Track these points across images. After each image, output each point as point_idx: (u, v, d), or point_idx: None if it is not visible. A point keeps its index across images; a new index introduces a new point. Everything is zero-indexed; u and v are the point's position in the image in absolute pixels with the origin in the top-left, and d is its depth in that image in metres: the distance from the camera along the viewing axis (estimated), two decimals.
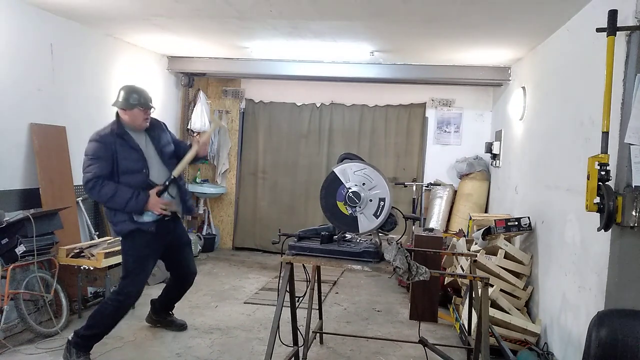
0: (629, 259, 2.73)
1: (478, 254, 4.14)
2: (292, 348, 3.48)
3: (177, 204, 3.75)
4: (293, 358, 3.39)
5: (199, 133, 3.71)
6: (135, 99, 3.54)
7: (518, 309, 4.16)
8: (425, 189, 6.83)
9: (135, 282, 3.61)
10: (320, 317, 4.15)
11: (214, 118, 3.68)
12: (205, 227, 7.33)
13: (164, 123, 3.91)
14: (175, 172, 3.60)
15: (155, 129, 3.75)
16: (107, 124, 3.64)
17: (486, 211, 6.50)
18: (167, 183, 3.55)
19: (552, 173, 4.07)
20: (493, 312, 3.80)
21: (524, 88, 5.21)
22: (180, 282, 4.12)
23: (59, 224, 4.17)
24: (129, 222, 3.52)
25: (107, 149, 3.46)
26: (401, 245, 2.97)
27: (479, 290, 3.22)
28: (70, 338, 3.52)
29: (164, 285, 5.39)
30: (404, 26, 4.50)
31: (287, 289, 3.15)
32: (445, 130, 7.04)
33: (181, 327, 4.25)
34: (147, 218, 3.55)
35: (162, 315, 4.27)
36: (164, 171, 3.64)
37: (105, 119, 5.32)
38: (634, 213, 2.63)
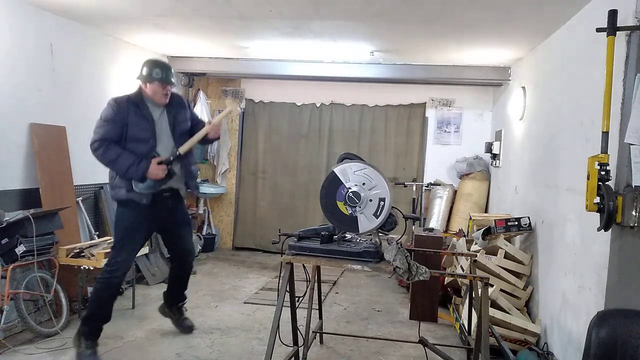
0: (629, 258, 2.73)
1: (478, 254, 4.14)
2: (292, 348, 3.48)
3: (179, 181, 3.72)
4: (293, 358, 3.39)
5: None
6: (157, 74, 3.57)
7: (518, 309, 4.16)
8: (425, 189, 6.83)
9: (122, 252, 3.59)
10: (320, 317, 4.15)
11: (225, 106, 3.74)
12: (205, 227, 7.33)
13: (187, 100, 3.86)
14: (182, 149, 3.58)
15: (175, 104, 3.73)
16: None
17: (486, 211, 6.50)
18: (171, 158, 3.54)
19: (552, 173, 4.07)
20: (493, 312, 3.80)
21: (524, 88, 5.21)
22: (178, 262, 4.07)
23: (59, 224, 4.17)
24: (125, 190, 3.52)
25: (119, 113, 3.48)
26: (401, 245, 2.97)
27: (479, 290, 3.22)
28: (78, 327, 3.59)
29: (164, 284, 5.42)
30: (404, 26, 4.50)
31: (287, 289, 3.14)
32: (445, 130, 7.04)
33: (187, 329, 4.16)
34: (144, 188, 3.50)
35: (173, 310, 4.18)
36: (172, 146, 3.62)
37: None
38: (634, 213, 2.63)
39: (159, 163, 3.48)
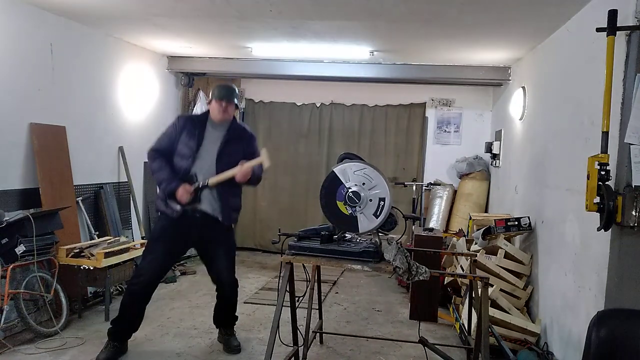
0: (629, 258, 2.73)
1: (478, 254, 4.14)
2: (292, 348, 3.48)
3: (211, 207, 3.68)
4: (293, 358, 3.39)
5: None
6: (215, 93, 3.72)
7: (518, 309, 4.16)
8: (425, 189, 6.83)
9: (144, 260, 3.71)
10: (320, 317, 4.15)
11: (264, 152, 3.72)
12: None
13: (254, 137, 3.94)
14: (210, 181, 3.60)
15: (235, 133, 3.77)
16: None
17: (486, 211, 6.50)
18: (199, 185, 3.59)
19: (552, 173, 4.07)
20: (493, 311, 3.80)
21: (524, 88, 5.21)
22: (217, 287, 4.01)
23: (59, 224, 4.17)
24: (161, 202, 3.66)
25: (175, 128, 3.69)
26: (401, 245, 2.97)
27: (479, 290, 3.22)
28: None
29: (164, 284, 5.43)
30: (404, 26, 4.50)
31: (287, 289, 3.15)
32: (445, 130, 7.05)
33: (231, 349, 3.90)
34: (172, 205, 3.59)
35: (222, 332, 4.03)
36: (208, 170, 3.63)
37: (105, 119, 5.38)
38: (633, 213, 2.63)
39: (190, 189, 3.54)
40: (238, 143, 3.76)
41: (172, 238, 3.68)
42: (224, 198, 3.69)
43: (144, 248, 3.85)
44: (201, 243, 3.83)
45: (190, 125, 3.67)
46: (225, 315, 4.02)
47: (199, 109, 6.84)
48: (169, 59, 6.57)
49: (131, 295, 3.67)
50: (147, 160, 3.75)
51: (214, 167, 3.62)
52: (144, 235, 5.83)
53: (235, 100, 3.74)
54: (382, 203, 3.00)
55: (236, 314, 4.10)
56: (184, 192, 3.52)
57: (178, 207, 3.57)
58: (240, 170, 3.58)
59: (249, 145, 3.84)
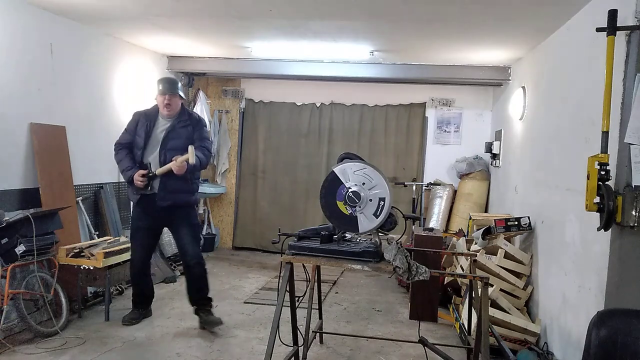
0: (629, 258, 2.73)
1: (478, 254, 4.13)
2: (292, 348, 3.48)
3: (157, 191, 4.11)
4: (293, 358, 3.39)
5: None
6: (159, 86, 4.14)
7: (518, 309, 4.16)
8: (425, 189, 6.84)
9: (132, 245, 4.36)
10: (320, 317, 4.15)
11: (190, 150, 3.97)
12: (205, 226, 7.32)
13: (204, 122, 4.36)
14: (157, 171, 4.07)
15: (183, 122, 4.19)
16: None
17: (486, 211, 6.50)
18: (149, 173, 4.06)
19: (552, 173, 4.07)
20: (493, 311, 3.80)
21: (524, 88, 5.21)
22: (183, 263, 4.47)
23: (59, 224, 4.17)
24: (131, 192, 4.22)
25: (132, 122, 4.23)
26: (401, 244, 2.97)
27: (479, 290, 3.22)
28: None
29: (164, 284, 5.43)
30: (404, 26, 4.50)
31: (287, 289, 3.14)
32: (445, 130, 7.05)
33: (214, 323, 4.22)
34: (134, 192, 4.17)
35: (199, 314, 4.29)
36: (155, 157, 4.11)
37: (105, 119, 5.38)
38: (633, 213, 2.63)
39: (142, 175, 4.03)
40: (184, 129, 4.17)
41: (146, 222, 4.25)
42: (161, 182, 4.11)
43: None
44: (169, 224, 4.36)
45: (144, 119, 4.16)
46: (197, 292, 4.32)
47: (198, 108, 6.84)
48: (169, 59, 6.56)
49: (133, 275, 4.38)
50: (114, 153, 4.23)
51: (158, 153, 4.10)
52: None
53: (179, 92, 4.17)
54: (382, 203, 3.00)
55: (209, 295, 4.40)
56: (137, 177, 4.02)
57: (137, 191, 4.10)
58: (174, 164, 3.98)
59: (196, 130, 4.22)
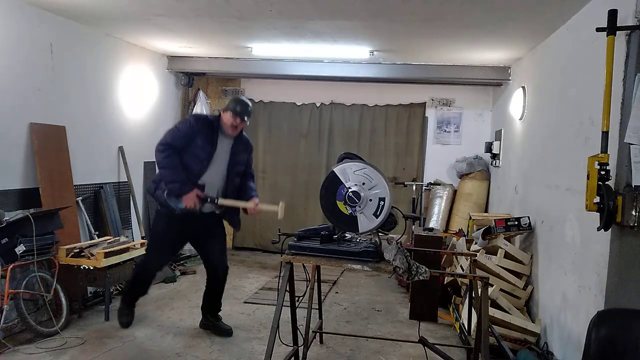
0: (629, 258, 2.73)
1: (478, 254, 4.14)
2: (292, 348, 3.48)
3: (210, 209, 3.96)
4: (293, 358, 3.39)
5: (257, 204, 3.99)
6: (233, 107, 3.83)
7: (518, 309, 4.16)
8: (425, 189, 6.84)
9: (148, 254, 4.19)
10: (320, 317, 4.15)
11: (281, 207, 3.77)
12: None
13: (253, 148, 4.17)
14: (222, 201, 3.87)
15: (241, 145, 3.98)
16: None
17: (486, 211, 6.50)
18: (210, 198, 3.82)
19: (552, 173, 4.07)
20: (493, 311, 3.80)
21: (524, 88, 5.21)
22: (210, 273, 4.23)
23: (59, 224, 4.17)
24: (167, 196, 3.79)
25: (190, 129, 3.79)
26: (401, 244, 2.97)
27: (479, 290, 3.22)
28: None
29: (164, 284, 5.43)
30: (404, 26, 4.49)
31: (287, 289, 3.14)
32: (445, 130, 7.05)
33: (225, 332, 4.16)
34: (174, 203, 3.79)
35: (210, 319, 4.24)
36: (220, 179, 3.89)
37: (105, 119, 5.38)
38: (633, 213, 2.63)
39: (198, 196, 3.75)
40: (243, 154, 4.00)
41: (175, 233, 3.98)
42: (224, 212, 4.02)
43: (149, 239, 4.20)
44: (197, 234, 4.10)
45: (208, 130, 3.80)
46: (215, 300, 4.26)
47: (198, 108, 6.84)
48: (169, 59, 6.56)
49: (137, 278, 4.18)
50: (154, 158, 3.79)
51: (224, 176, 3.89)
52: (143, 235, 5.83)
53: (247, 119, 3.90)
54: (382, 203, 3.00)
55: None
56: (192, 199, 3.73)
57: (181, 206, 3.76)
58: (253, 208, 3.87)
59: (250, 155, 4.11)
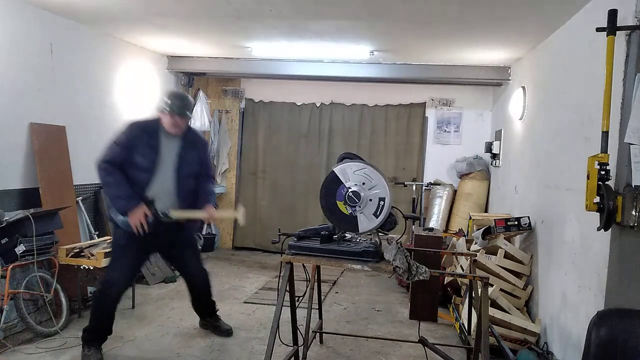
0: (629, 258, 2.73)
1: (478, 254, 4.13)
2: (292, 348, 3.48)
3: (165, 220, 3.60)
4: (293, 358, 3.39)
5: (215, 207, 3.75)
6: (166, 104, 3.50)
7: (518, 309, 4.16)
8: (425, 189, 6.84)
9: (112, 270, 3.63)
10: (320, 317, 4.15)
11: (241, 212, 3.62)
12: (205, 226, 7.31)
13: (207, 144, 3.84)
14: (173, 214, 3.54)
15: (190, 142, 3.65)
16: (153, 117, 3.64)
17: (486, 211, 6.50)
18: (161, 213, 3.50)
19: (552, 173, 4.07)
20: (493, 311, 3.80)
21: (524, 88, 5.21)
22: (190, 283, 4.06)
23: (59, 224, 4.17)
24: (121, 219, 3.52)
25: (128, 137, 3.47)
26: (401, 244, 2.97)
27: (479, 290, 3.22)
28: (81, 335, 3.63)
29: (163, 284, 5.43)
30: (404, 26, 4.50)
31: (287, 289, 3.14)
32: (445, 130, 7.05)
33: (225, 332, 4.12)
34: (121, 222, 3.50)
35: (208, 320, 4.19)
36: (170, 185, 3.55)
37: (105, 119, 5.38)
38: (633, 212, 2.63)
39: (146, 214, 3.40)
40: (193, 152, 3.65)
41: (138, 246, 3.59)
42: (178, 225, 3.67)
43: (110, 259, 3.73)
44: (166, 247, 3.85)
45: (147, 135, 3.48)
46: (206, 303, 4.16)
47: (198, 108, 6.83)
48: (169, 59, 6.57)
49: (102, 298, 3.60)
50: (98, 171, 3.45)
51: (173, 181, 3.55)
52: None
53: (189, 113, 3.59)
54: (382, 203, 3.00)
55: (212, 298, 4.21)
56: (138, 218, 3.36)
57: (125, 225, 3.45)
58: (208, 216, 3.69)
59: (203, 152, 3.81)
